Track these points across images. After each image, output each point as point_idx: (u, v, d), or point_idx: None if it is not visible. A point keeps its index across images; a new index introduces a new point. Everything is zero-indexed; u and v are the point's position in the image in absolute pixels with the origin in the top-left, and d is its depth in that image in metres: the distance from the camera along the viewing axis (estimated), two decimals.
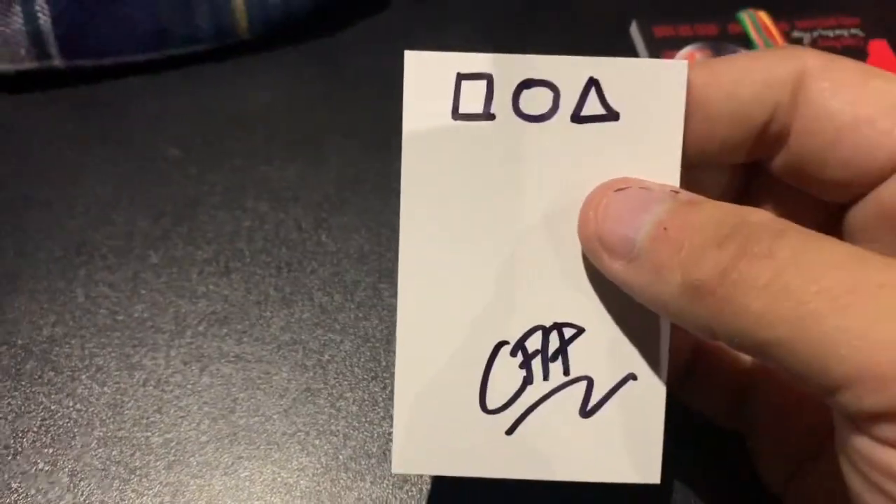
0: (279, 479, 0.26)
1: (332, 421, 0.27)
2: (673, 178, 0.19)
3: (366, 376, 0.28)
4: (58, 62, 0.34)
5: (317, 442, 0.27)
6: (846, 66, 0.19)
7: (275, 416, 0.27)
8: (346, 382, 0.28)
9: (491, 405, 0.20)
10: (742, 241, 0.16)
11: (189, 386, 0.28)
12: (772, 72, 0.19)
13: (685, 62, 0.19)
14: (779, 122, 0.20)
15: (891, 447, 0.15)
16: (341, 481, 0.26)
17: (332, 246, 0.31)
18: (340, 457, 0.27)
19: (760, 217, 0.17)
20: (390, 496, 0.26)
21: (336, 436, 0.27)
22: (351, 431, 0.27)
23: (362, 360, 0.29)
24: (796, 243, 0.16)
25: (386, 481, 0.26)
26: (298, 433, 0.27)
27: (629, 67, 0.19)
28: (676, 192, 0.18)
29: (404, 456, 0.20)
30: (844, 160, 0.19)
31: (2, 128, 0.33)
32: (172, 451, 0.27)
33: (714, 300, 0.16)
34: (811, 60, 0.19)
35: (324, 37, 0.38)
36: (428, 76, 0.19)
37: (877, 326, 0.15)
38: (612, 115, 0.19)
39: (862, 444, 0.16)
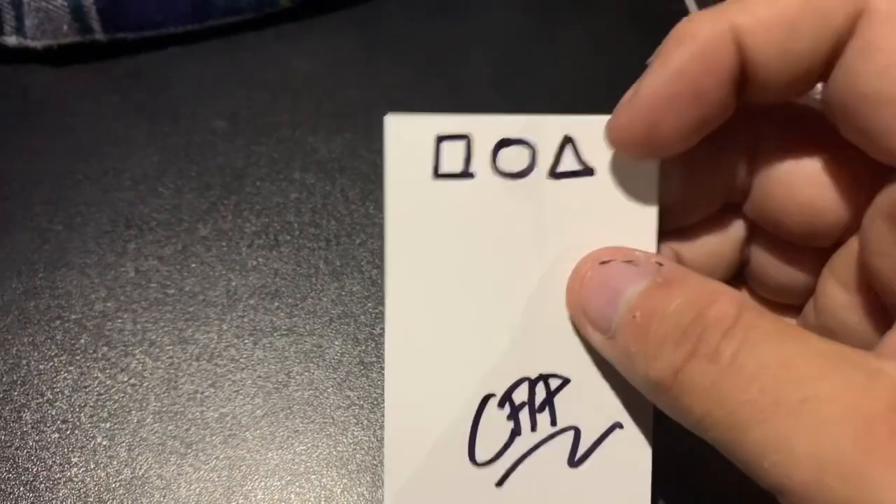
0: (335, 452, 0.26)
1: None
2: (650, 231, 0.19)
3: None
4: (99, 36, 0.34)
5: (371, 415, 0.27)
6: None
7: (329, 390, 0.27)
8: None
9: (480, 458, 0.20)
10: (695, 341, 0.16)
11: (242, 360, 0.28)
12: (825, 26, 0.17)
13: None
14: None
15: None
16: None
17: (379, 217, 0.31)
18: None
19: (719, 309, 0.16)
20: None
21: None
22: None
23: None
24: (738, 344, 0.16)
25: None
26: (353, 406, 0.27)
27: (603, 125, 0.19)
28: (660, 265, 0.18)
29: None
30: (870, 129, 0.17)
31: (47, 102, 0.33)
32: (228, 425, 0.27)
33: (669, 397, 0.17)
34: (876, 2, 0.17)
35: (365, 2, 0.37)
36: (408, 139, 0.19)
37: (792, 443, 0.15)
38: (587, 171, 0.19)
39: None
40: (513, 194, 0.19)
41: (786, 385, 0.15)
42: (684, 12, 0.36)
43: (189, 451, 0.26)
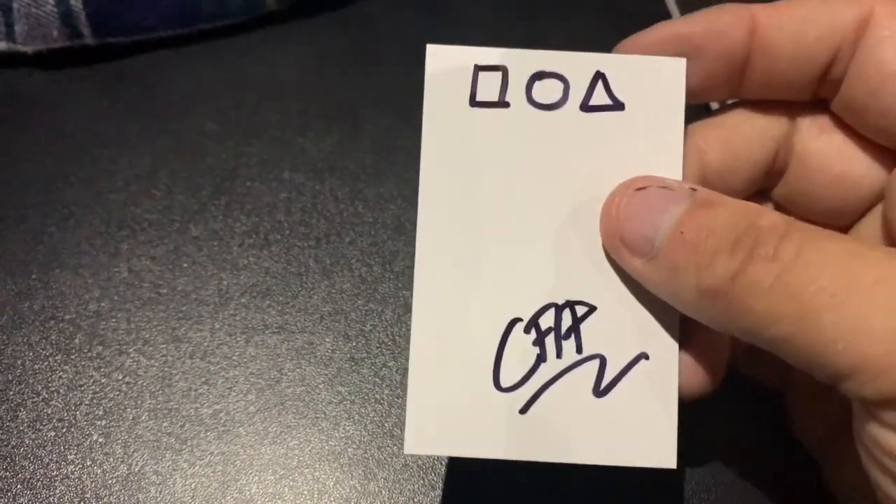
0: (326, 447, 0.27)
1: (377, 389, 0.28)
2: (676, 162, 0.20)
3: (408, 345, 0.28)
4: (89, 40, 0.34)
5: (362, 410, 0.27)
6: None
7: (320, 386, 0.28)
8: (388, 352, 0.28)
9: (505, 383, 0.20)
10: (751, 246, 0.17)
11: (235, 357, 0.28)
12: (837, 16, 0.19)
13: (684, 60, 0.20)
14: (841, 65, 0.20)
15: (892, 430, 0.16)
16: (387, 448, 0.27)
17: (368, 216, 0.31)
18: (386, 424, 0.27)
19: (769, 220, 0.17)
20: (436, 462, 0.26)
21: (381, 404, 0.27)
22: (395, 399, 0.27)
23: (403, 329, 0.29)
24: (799, 244, 0.16)
25: None
26: (344, 402, 0.27)
27: (634, 63, 0.20)
28: (694, 190, 0.19)
29: (418, 436, 0.20)
30: (883, 110, 0.20)
31: (39, 105, 0.33)
32: (222, 421, 0.27)
33: (725, 302, 0.17)
34: (879, 7, 0.19)
35: (352, 3, 0.37)
36: (448, 68, 0.20)
37: (869, 321, 0.15)
38: (618, 106, 0.20)
39: (870, 427, 0.17)
40: (546, 125, 0.20)
41: (858, 269, 0.16)
42: (664, 12, 0.37)
43: (184, 447, 0.27)
